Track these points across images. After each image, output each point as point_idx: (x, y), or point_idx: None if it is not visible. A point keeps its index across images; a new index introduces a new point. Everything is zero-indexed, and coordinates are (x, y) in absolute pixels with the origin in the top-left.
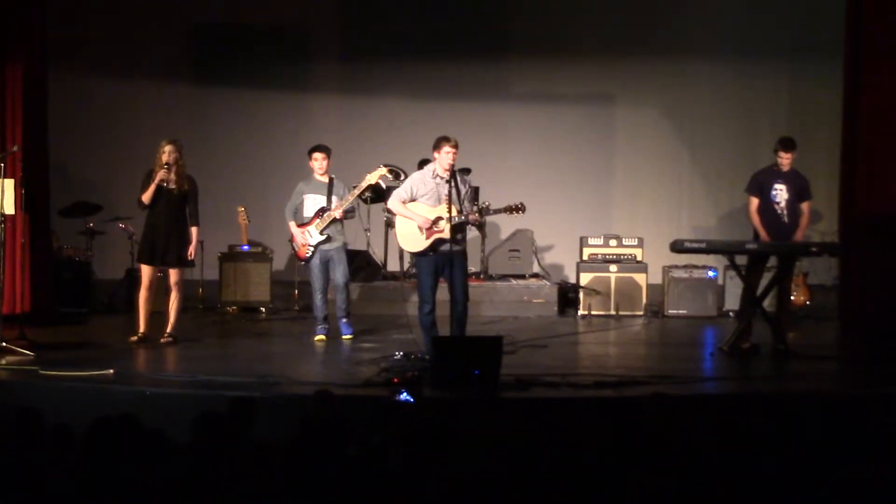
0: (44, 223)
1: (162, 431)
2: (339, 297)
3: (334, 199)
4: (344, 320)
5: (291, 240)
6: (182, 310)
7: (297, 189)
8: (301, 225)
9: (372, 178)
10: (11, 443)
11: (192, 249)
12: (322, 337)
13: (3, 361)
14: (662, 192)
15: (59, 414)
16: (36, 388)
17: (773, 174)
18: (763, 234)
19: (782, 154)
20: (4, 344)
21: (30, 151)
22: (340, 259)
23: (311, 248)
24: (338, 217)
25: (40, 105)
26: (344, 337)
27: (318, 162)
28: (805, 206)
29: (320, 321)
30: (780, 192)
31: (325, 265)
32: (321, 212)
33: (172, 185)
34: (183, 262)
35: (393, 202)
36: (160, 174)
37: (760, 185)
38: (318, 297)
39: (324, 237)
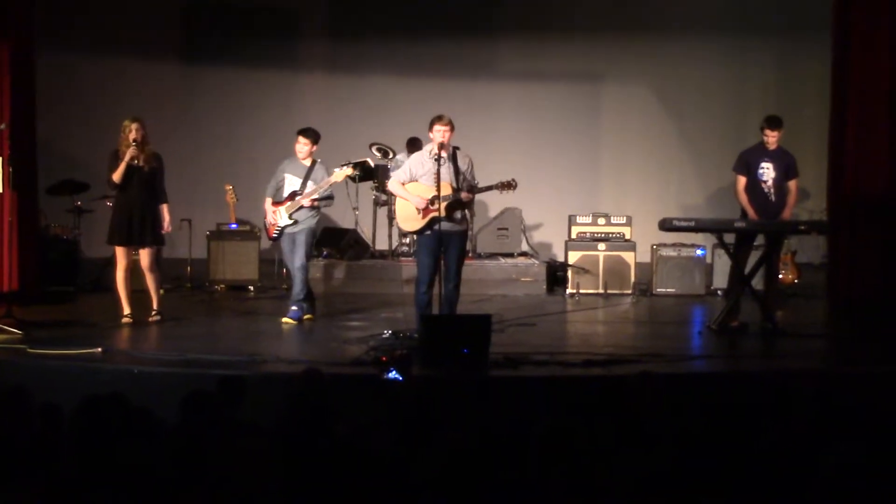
0: (31, 201)
1: (150, 410)
2: (294, 279)
3: (310, 183)
4: (293, 307)
5: (264, 216)
6: (161, 286)
7: (280, 166)
8: (276, 203)
9: (338, 177)
10: (2, 419)
11: (167, 225)
12: (308, 315)
13: None
14: (651, 171)
15: (47, 392)
16: (24, 367)
17: (761, 152)
18: (751, 212)
19: (768, 132)
20: None
21: (17, 130)
22: (301, 242)
23: (278, 230)
24: (305, 205)
25: (27, 83)
26: (284, 319)
27: (300, 145)
28: (792, 184)
29: (293, 301)
30: (767, 171)
31: (292, 246)
32: (293, 195)
33: (142, 164)
34: (158, 241)
35: (392, 184)
36: (130, 152)
37: (747, 164)
38: (291, 277)
39: (290, 221)
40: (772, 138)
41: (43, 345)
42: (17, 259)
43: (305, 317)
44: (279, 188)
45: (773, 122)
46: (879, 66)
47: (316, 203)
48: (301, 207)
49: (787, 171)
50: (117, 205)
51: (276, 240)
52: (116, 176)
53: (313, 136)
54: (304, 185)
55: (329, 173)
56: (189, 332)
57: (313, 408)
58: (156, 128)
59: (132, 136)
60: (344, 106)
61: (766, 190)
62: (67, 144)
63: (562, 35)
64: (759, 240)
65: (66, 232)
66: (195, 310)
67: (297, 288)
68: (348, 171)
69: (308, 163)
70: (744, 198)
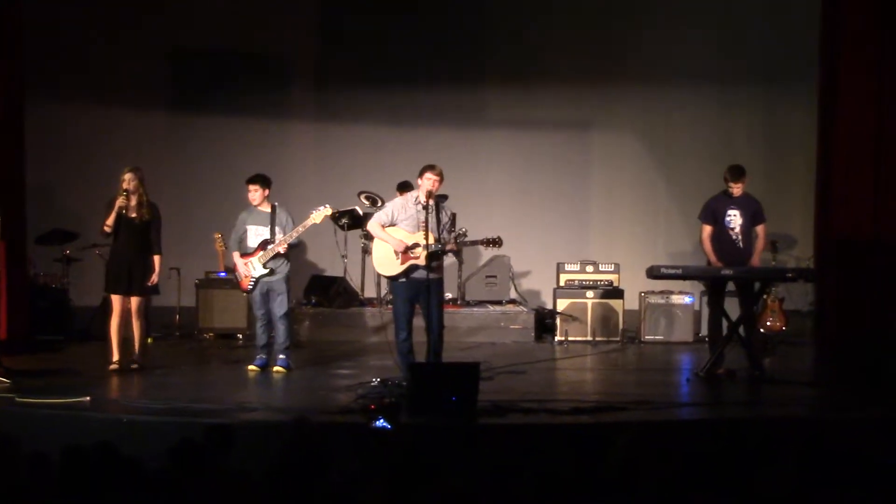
0: (20, 250)
1: (138, 459)
2: (278, 329)
3: (277, 229)
4: (281, 356)
5: (234, 269)
6: (146, 335)
7: (239, 218)
8: (245, 255)
9: (317, 218)
10: None
11: (155, 277)
12: (255, 368)
13: None
14: (639, 218)
15: (35, 441)
16: (12, 416)
17: (726, 200)
18: (713, 260)
19: (732, 185)
20: None
21: (6, 179)
22: (280, 290)
23: (253, 280)
24: (281, 252)
25: (17, 133)
26: (275, 368)
27: (251, 193)
28: (760, 229)
29: (258, 350)
30: (735, 218)
31: (266, 296)
32: (265, 244)
33: (133, 214)
34: (144, 290)
35: (372, 225)
36: (119, 201)
37: (714, 212)
38: (257, 326)
39: (266, 270)
40: (736, 189)
41: (31, 393)
42: (6, 308)
43: (276, 368)
44: (242, 240)
45: (736, 174)
46: (864, 115)
47: (285, 250)
48: (276, 255)
49: (753, 216)
50: (111, 253)
51: (251, 291)
52: (107, 225)
53: (262, 181)
54: (272, 231)
55: (291, 217)
56: (177, 380)
57: (302, 456)
58: (145, 177)
59: (123, 185)
60: (332, 154)
61: (733, 237)
62: (56, 194)
63: (551, 84)
64: (731, 286)
65: (55, 281)
66: (184, 358)
67: (282, 337)
68: (327, 211)
69: (266, 209)
70: (708, 246)
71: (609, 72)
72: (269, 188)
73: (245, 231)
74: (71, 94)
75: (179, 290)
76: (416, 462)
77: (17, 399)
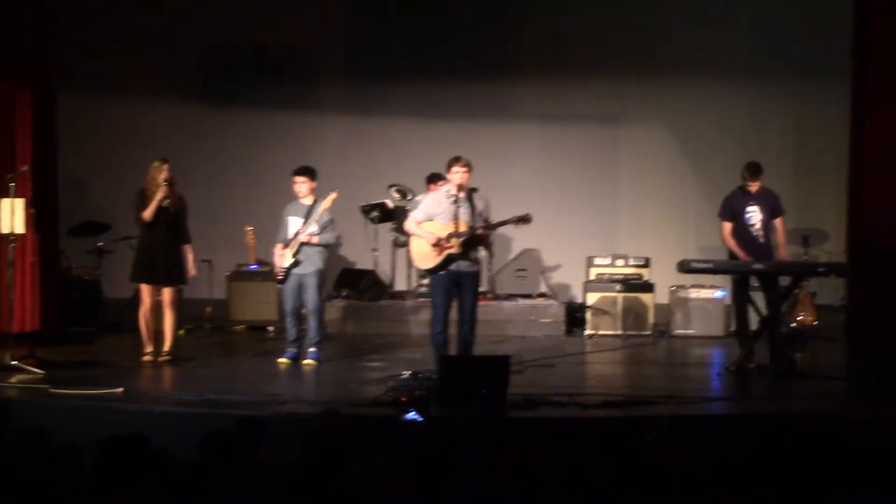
0: (53, 243)
1: (169, 450)
2: (309, 322)
3: (311, 221)
4: (312, 349)
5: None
6: (181, 326)
7: (283, 210)
8: (284, 246)
9: (326, 204)
10: (21, 461)
11: (192, 266)
12: (285, 360)
13: (13, 380)
14: (669, 212)
15: (68, 432)
16: (45, 407)
17: (745, 196)
18: (741, 255)
19: (750, 182)
20: (14, 362)
21: (39, 171)
22: (311, 284)
23: (284, 271)
24: (303, 241)
25: (49, 125)
26: (305, 361)
27: (298, 185)
28: (778, 222)
29: (289, 343)
30: (754, 214)
31: (298, 288)
32: (295, 235)
33: (170, 204)
34: (180, 280)
35: (408, 223)
36: (162, 190)
37: (733, 209)
38: (287, 320)
39: (293, 261)
40: (753, 187)
41: (64, 385)
42: (39, 300)
43: (306, 361)
44: (285, 233)
45: (754, 171)
46: None
47: (315, 241)
48: (302, 246)
49: (773, 210)
50: (142, 243)
51: (282, 282)
52: (147, 214)
53: (309, 173)
54: (305, 224)
55: (328, 210)
56: (209, 372)
57: (332, 449)
58: (175, 169)
59: (163, 175)
60: (362, 147)
61: (754, 233)
62: (88, 186)
63: (580, 77)
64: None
65: (87, 273)
66: (215, 350)
67: (313, 331)
68: (333, 195)
69: (309, 202)
70: (732, 242)
71: (639, 65)
72: (314, 181)
73: (287, 222)
74: (102, 87)
75: (210, 283)
76: (446, 455)
77: (51, 390)
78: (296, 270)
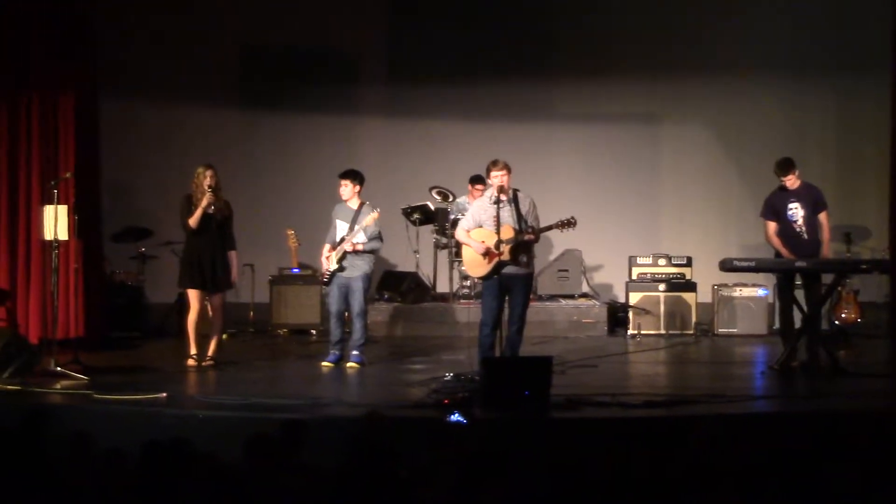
0: (96, 248)
1: (214, 454)
2: (354, 325)
3: (357, 227)
4: (355, 352)
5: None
6: (224, 331)
7: (333, 212)
8: (332, 248)
9: (368, 220)
10: (66, 467)
11: (235, 273)
12: (328, 364)
13: (58, 385)
14: (711, 211)
15: (112, 438)
16: (89, 412)
17: (785, 194)
18: (785, 252)
19: (783, 179)
20: (58, 368)
21: (82, 178)
22: (357, 288)
23: (328, 274)
24: (348, 250)
25: (92, 132)
26: (348, 364)
27: (342, 188)
28: (823, 216)
29: (332, 345)
30: (796, 211)
31: (343, 291)
32: (341, 240)
33: (216, 210)
34: (227, 286)
35: (458, 232)
36: (208, 197)
37: (775, 208)
38: (331, 322)
39: (337, 266)
40: (788, 182)
41: (108, 390)
42: (83, 305)
43: (349, 364)
44: (334, 235)
45: (783, 167)
46: None
47: (360, 249)
48: (346, 253)
49: (815, 205)
50: (190, 250)
51: (327, 284)
52: (193, 221)
53: (354, 176)
54: (350, 229)
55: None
56: (252, 376)
57: (375, 451)
58: (217, 173)
59: (208, 181)
60: (403, 150)
61: (798, 230)
62: (129, 190)
63: (619, 76)
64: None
65: (130, 278)
66: (258, 354)
67: (358, 334)
68: (374, 214)
69: (355, 205)
70: (776, 241)
71: (678, 63)
72: (360, 184)
73: (335, 225)
74: (143, 91)
75: (253, 287)
76: (489, 457)
77: (95, 396)
78: (341, 274)
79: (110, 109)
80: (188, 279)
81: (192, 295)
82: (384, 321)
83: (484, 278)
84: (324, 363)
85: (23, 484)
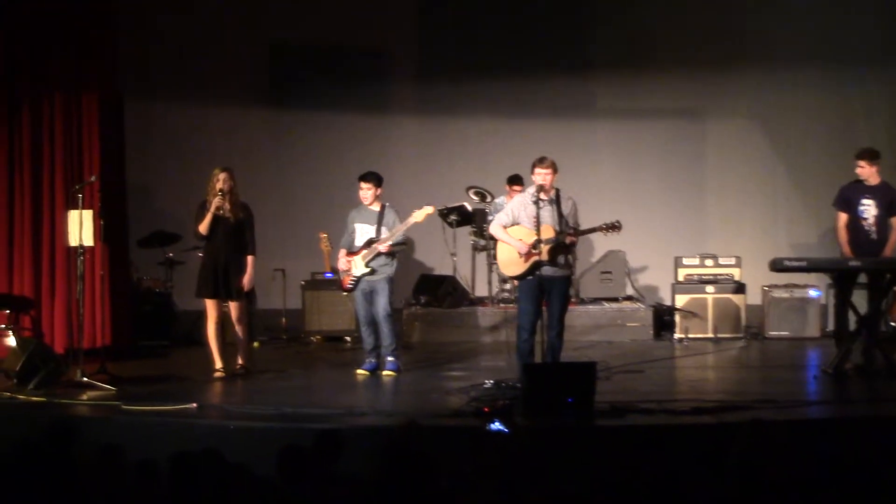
0: (122, 254)
1: (246, 466)
2: (382, 331)
3: (383, 229)
4: (390, 358)
5: (338, 267)
6: (250, 339)
7: (349, 216)
8: (350, 253)
9: (419, 217)
10: (95, 480)
11: (247, 279)
12: (364, 371)
13: (84, 397)
14: (759, 209)
15: (141, 449)
16: (117, 424)
17: (860, 188)
18: (846, 250)
19: (861, 163)
20: (85, 379)
21: (107, 181)
22: (383, 291)
23: (354, 279)
24: (383, 251)
25: (117, 134)
26: (385, 372)
27: (363, 191)
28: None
29: (367, 353)
30: (869, 208)
31: (368, 296)
32: (370, 242)
33: (228, 214)
34: (242, 294)
35: (494, 227)
36: (216, 202)
37: (847, 200)
38: (362, 329)
39: (367, 270)
40: (864, 170)
41: (137, 401)
42: (110, 314)
43: (385, 372)
44: (352, 240)
45: (866, 153)
46: None
47: (392, 249)
48: (378, 254)
49: (889, 206)
50: (205, 256)
51: (351, 290)
52: (203, 227)
53: (375, 179)
54: (378, 231)
55: (399, 217)
56: (284, 385)
57: (413, 461)
58: (246, 175)
59: (219, 185)
60: (438, 148)
61: (867, 228)
62: (155, 194)
63: (661, 71)
64: (862, 277)
65: (158, 285)
66: (290, 362)
67: (388, 339)
68: (429, 210)
69: (376, 208)
70: (843, 236)
71: (722, 56)
72: (380, 187)
73: (354, 230)
74: (169, 92)
75: (285, 293)
76: (531, 466)
77: (123, 407)
78: (367, 278)
79: (135, 110)
80: (202, 288)
81: (208, 304)
82: (421, 326)
83: (519, 278)
84: (359, 371)
85: (51, 499)
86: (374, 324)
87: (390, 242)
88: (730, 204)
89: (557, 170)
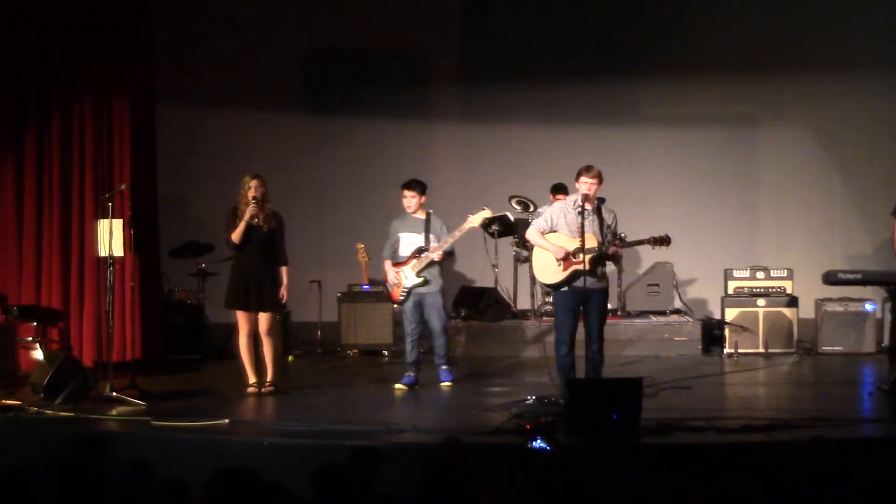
0: (154, 265)
1: (281, 485)
2: (438, 342)
3: (431, 237)
4: (444, 367)
5: (385, 280)
6: (281, 353)
7: (392, 227)
8: (396, 264)
9: (474, 221)
10: (125, 499)
11: (284, 291)
12: (402, 386)
13: (114, 412)
14: (812, 219)
15: (172, 467)
16: (148, 440)
17: None
18: None
19: None
20: (115, 394)
21: (138, 190)
22: (436, 303)
23: (406, 291)
24: (436, 259)
25: (148, 140)
26: (442, 384)
27: (407, 199)
28: None
29: (408, 367)
30: None
31: (419, 308)
32: (418, 252)
33: (262, 223)
34: (277, 306)
35: (531, 232)
36: (250, 210)
37: None
38: (407, 342)
39: (420, 280)
40: None
41: (167, 416)
42: (140, 326)
43: (443, 384)
44: (395, 249)
45: None
46: None
47: (441, 258)
48: (431, 264)
49: None
50: (236, 266)
51: (402, 303)
52: (235, 236)
53: (419, 187)
54: (426, 239)
55: (445, 225)
56: (320, 400)
57: (453, 480)
58: (283, 184)
59: (251, 193)
60: (480, 155)
61: None
62: (189, 203)
63: (712, 75)
64: None
65: (190, 296)
66: (326, 377)
67: (442, 350)
68: (486, 213)
69: (421, 216)
70: None
71: (776, 61)
72: (424, 195)
73: (398, 239)
74: (202, 97)
75: (321, 305)
76: (575, 485)
77: (153, 423)
78: (419, 290)
79: (168, 116)
80: (232, 299)
81: (239, 316)
82: (461, 340)
83: (555, 287)
84: (398, 385)
85: None
86: (420, 337)
87: (444, 250)
88: (782, 214)
89: (603, 180)
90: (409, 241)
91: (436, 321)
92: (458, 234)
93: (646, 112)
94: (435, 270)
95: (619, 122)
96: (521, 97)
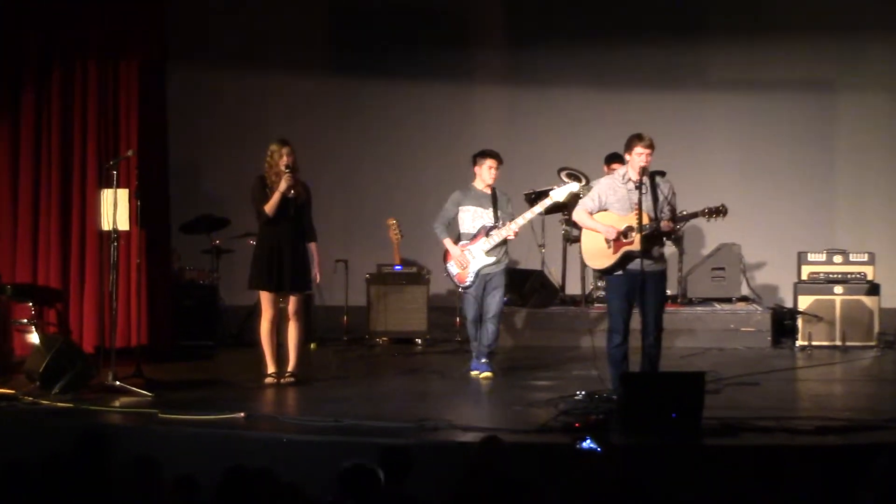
0: (163, 241)
1: (301, 486)
2: (490, 327)
3: (500, 213)
4: (484, 360)
5: (445, 259)
6: (305, 341)
7: (451, 198)
8: (457, 242)
9: (560, 195)
10: (128, 496)
11: (317, 270)
12: (489, 374)
13: (117, 403)
14: None
15: (180, 464)
16: (154, 434)
17: None
18: None
19: None
20: (119, 383)
21: (147, 157)
22: (500, 285)
23: (474, 273)
24: (511, 237)
25: (158, 104)
26: (482, 375)
27: (491, 170)
28: None
29: (475, 354)
30: None
31: (482, 290)
32: (486, 230)
33: (295, 194)
34: (306, 286)
35: (578, 213)
36: (286, 180)
37: None
38: (470, 328)
39: (491, 260)
40: None
41: (176, 409)
42: (147, 309)
43: (483, 375)
44: (451, 224)
45: None
46: None
47: (515, 236)
48: (504, 242)
49: None
50: (262, 243)
51: (469, 287)
52: (269, 208)
53: (501, 158)
54: (496, 215)
55: (509, 199)
56: (346, 393)
57: (493, 483)
58: (307, 153)
59: (284, 161)
60: (527, 124)
61: None
62: (205, 174)
63: (784, 37)
64: None
65: (203, 276)
66: (353, 367)
67: (492, 337)
68: (574, 187)
69: (487, 190)
70: None
71: (855, 20)
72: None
73: (456, 214)
74: (219, 58)
75: (347, 287)
76: (629, 490)
77: (160, 415)
78: (484, 270)
79: (180, 79)
80: (259, 278)
81: (265, 298)
82: (504, 328)
83: (606, 272)
84: (473, 373)
85: None
86: (480, 320)
87: (517, 226)
88: (863, 192)
89: (655, 148)
90: (474, 217)
91: (494, 304)
92: (538, 208)
93: (711, 77)
94: (502, 249)
95: (681, 87)
96: (572, 59)
